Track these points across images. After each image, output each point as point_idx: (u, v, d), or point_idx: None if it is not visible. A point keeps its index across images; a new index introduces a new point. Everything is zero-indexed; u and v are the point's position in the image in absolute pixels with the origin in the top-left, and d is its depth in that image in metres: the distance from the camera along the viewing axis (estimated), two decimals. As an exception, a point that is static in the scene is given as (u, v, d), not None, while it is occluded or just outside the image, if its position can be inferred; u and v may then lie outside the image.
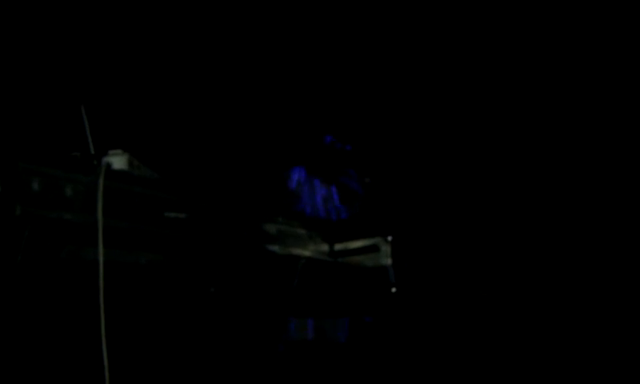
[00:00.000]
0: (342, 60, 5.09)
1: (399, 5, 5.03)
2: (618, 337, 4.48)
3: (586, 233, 4.67)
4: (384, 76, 5.11)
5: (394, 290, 3.69)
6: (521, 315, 4.68)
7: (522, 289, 4.70)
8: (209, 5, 4.78)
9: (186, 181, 3.15)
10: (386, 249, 3.73)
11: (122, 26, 4.39)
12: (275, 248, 3.40)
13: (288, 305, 3.62)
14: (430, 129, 5.07)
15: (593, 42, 4.76)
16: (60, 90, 3.88)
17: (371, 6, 5.07)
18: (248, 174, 4.60)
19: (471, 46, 5.00)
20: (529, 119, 4.90)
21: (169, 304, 3.26)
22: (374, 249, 3.74)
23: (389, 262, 3.71)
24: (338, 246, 3.72)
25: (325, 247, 3.69)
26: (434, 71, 5.06)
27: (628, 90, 4.71)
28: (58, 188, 2.19)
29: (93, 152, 2.55)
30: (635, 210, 4.64)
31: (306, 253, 3.56)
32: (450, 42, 5.03)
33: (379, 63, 5.11)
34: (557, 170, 4.82)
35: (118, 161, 2.45)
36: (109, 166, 2.39)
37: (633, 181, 4.64)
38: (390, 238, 3.73)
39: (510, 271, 4.75)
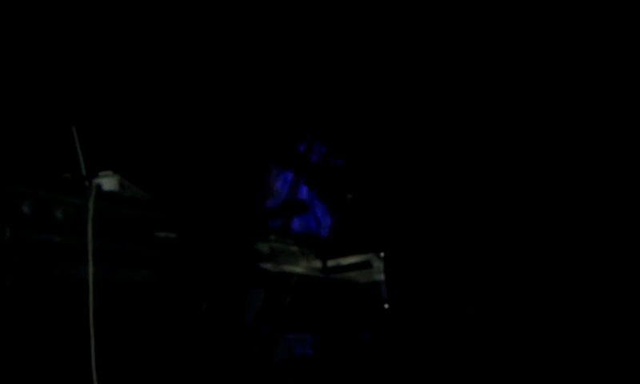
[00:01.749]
0: (335, 76, 5.11)
1: (385, 15, 5.05)
2: (607, 342, 4.49)
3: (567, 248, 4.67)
4: (375, 93, 5.13)
5: (386, 305, 3.71)
6: (513, 329, 4.68)
7: (514, 302, 4.71)
8: (193, 24, 4.80)
9: (178, 200, 3.16)
10: (378, 265, 3.74)
11: (112, 48, 4.41)
12: (268, 265, 3.41)
13: (281, 321, 3.62)
14: (421, 146, 5.08)
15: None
16: (51, 111, 3.90)
17: (362, 15, 5.09)
18: (240, 192, 4.61)
19: (456, 60, 5.02)
20: (516, 131, 4.91)
21: (162, 320, 3.27)
22: (366, 265, 3.75)
23: (381, 277, 3.73)
24: (330, 263, 3.73)
25: (317, 264, 3.70)
26: (423, 90, 5.07)
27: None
28: (49, 210, 2.21)
29: (84, 173, 2.56)
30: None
31: (299, 270, 3.57)
32: (434, 56, 5.05)
33: (370, 81, 5.13)
34: (543, 182, 4.82)
35: (108, 182, 2.46)
36: (99, 187, 2.41)
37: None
38: (382, 255, 3.75)
39: (501, 285, 4.76)
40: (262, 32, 5.00)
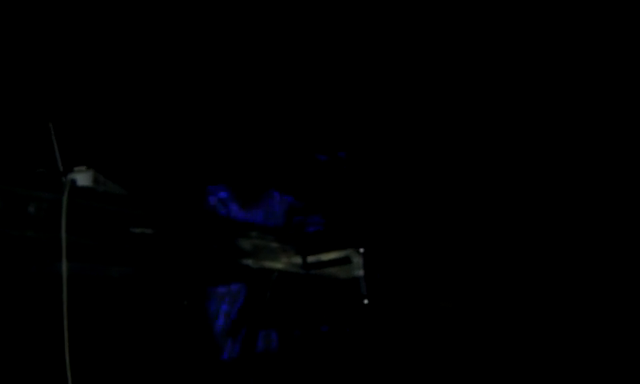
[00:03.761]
0: (311, 71, 5.11)
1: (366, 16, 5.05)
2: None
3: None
4: (351, 88, 5.13)
5: (366, 301, 3.72)
6: (492, 324, 4.70)
7: (493, 298, 4.73)
8: (171, 24, 4.79)
9: (155, 196, 3.16)
10: (358, 260, 3.75)
11: (89, 43, 4.40)
12: (249, 261, 3.41)
13: (261, 317, 3.63)
14: (400, 140, 5.09)
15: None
16: (26, 106, 3.89)
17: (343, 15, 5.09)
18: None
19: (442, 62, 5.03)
20: (502, 129, 4.93)
21: (142, 317, 3.27)
22: (346, 261, 3.76)
23: (361, 273, 3.73)
24: (310, 259, 3.74)
25: (297, 260, 3.71)
26: (404, 85, 5.08)
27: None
28: (21, 205, 2.20)
29: (61, 169, 2.55)
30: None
31: (279, 265, 3.58)
32: (423, 58, 5.06)
33: (348, 76, 5.13)
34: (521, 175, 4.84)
35: (82, 177, 2.45)
36: (73, 182, 2.40)
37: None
38: (362, 250, 3.76)
39: (480, 280, 4.78)
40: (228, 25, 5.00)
